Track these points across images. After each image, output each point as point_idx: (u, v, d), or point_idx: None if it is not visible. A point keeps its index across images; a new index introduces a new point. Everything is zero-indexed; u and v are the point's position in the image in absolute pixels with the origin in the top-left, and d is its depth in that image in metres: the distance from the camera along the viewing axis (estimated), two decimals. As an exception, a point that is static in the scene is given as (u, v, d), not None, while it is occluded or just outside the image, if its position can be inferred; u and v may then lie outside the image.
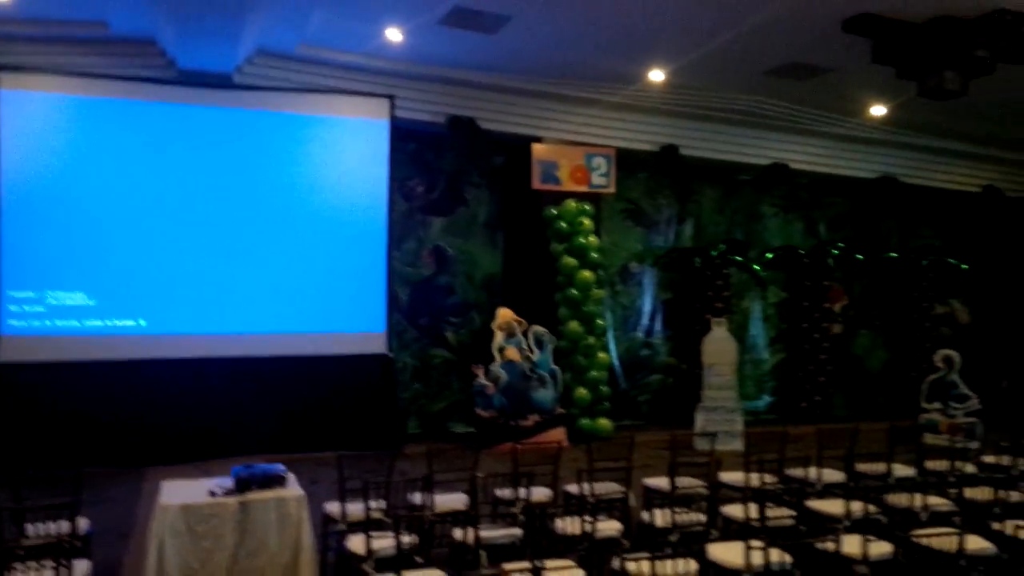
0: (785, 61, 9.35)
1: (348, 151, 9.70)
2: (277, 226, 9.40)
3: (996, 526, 5.04)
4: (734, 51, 9.00)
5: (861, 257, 12.89)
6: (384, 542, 4.41)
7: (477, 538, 4.65)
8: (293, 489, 4.89)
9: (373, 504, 4.97)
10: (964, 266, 13.35)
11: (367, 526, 4.62)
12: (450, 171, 11.06)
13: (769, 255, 12.58)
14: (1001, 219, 13.82)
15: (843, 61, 9.06)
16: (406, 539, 4.46)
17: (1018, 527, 4.68)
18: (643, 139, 11.32)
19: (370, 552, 4.38)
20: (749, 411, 11.97)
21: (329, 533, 5.34)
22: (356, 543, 4.61)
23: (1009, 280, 13.94)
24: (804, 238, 13.10)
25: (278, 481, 4.86)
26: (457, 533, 4.87)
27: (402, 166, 10.52)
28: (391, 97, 9.74)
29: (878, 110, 11.10)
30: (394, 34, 8.69)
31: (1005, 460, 6.95)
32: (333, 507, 5.31)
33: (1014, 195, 13.78)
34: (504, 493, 5.72)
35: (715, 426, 10.01)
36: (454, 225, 11.14)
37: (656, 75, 9.86)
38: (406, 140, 10.43)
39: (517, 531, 4.94)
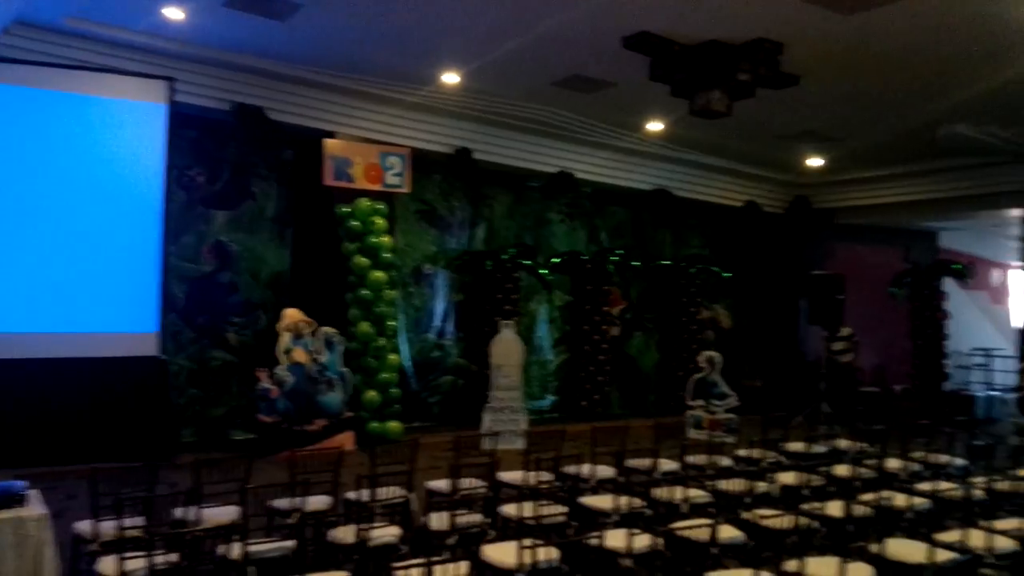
0: (570, 73, 9.71)
1: (121, 135, 8.90)
2: (40, 214, 8.48)
3: (745, 515, 5.49)
4: (523, 60, 9.24)
5: (638, 264, 13.71)
6: (139, 563, 4.08)
7: (246, 553, 4.42)
8: (34, 508, 4.42)
9: (129, 521, 4.58)
10: (727, 274, 14.55)
11: (122, 546, 4.25)
12: (235, 162, 10.54)
13: (555, 260, 13.07)
14: (759, 232, 15.23)
15: (624, 76, 9.53)
16: (165, 558, 4.15)
17: (763, 515, 5.11)
18: (438, 141, 11.37)
19: (123, 575, 4.04)
20: (534, 411, 12.38)
21: (80, 555, 4.88)
22: (107, 565, 4.23)
23: (765, 288, 15.38)
24: (587, 244, 13.72)
25: (16, 500, 4.36)
26: (223, 549, 4.60)
27: (182, 154, 9.89)
28: (170, 79, 9.09)
29: (655, 126, 11.83)
30: (173, 12, 8.13)
31: (756, 453, 7.61)
32: (84, 526, 4.85)
33: (770, 211, 15.23)
34: (281, 503, 5.50)
35: (501, 426, 10.24)
36: (239, 220, 10.61)
37: (450, 77, 9.93)
38: (187, 127, 9.80)
39: (291, 543, 4.75)
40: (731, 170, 14.36)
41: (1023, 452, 7.11)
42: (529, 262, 12.35)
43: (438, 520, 5.14)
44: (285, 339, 9.79)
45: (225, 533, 4.81)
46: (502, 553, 4.50)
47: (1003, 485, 6.17)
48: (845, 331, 14.05)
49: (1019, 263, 13.01)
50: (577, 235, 13.72)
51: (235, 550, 4.45)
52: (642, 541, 4.80)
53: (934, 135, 11.20)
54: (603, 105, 10.95)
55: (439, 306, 12.31)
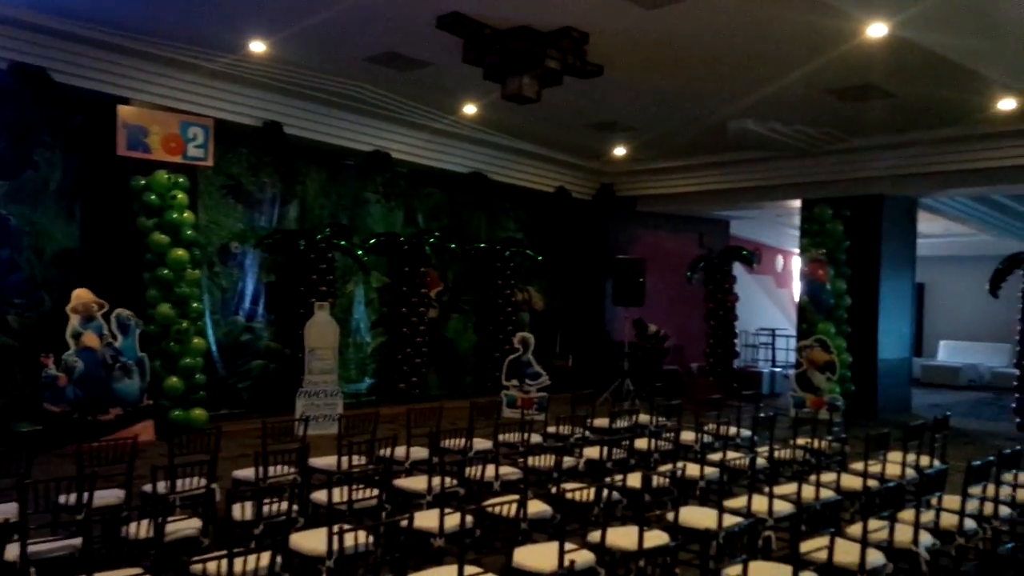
0: (385, 50, 9.56)
1: None
2: None
3: (553, 489, 5.68)
4: (335, 33, 9.00)
5: (454, 246, 13.80)
6: None
7: (24, 554, 4.04)
8: None
9: None
10: (539, 257, 14.96)
11: None
12: (14, 128, 9.54)
13: (372, 241, 12.88)
14: (569, 217, 15.77)
15: (438, 57, 9.52)
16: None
17: (569, 489, 5.32)
18: (246, 113, 10.84)
19: None
20: (351, 394, 12.18)
21: None
22: None
23: (574, 271, 15.98)
24: (404, 226, 13.64)
25: None
26: (-1, 551, 4.18)
27: (-53, 117, 8.84)
28: (-68, 33, 8.09)
29: (470, 108, 11.92)
30: (-66, -43, 7.22)
31: (564, 430, 7.91)
32: None
33: (580, 197, 15.81)
34: (67, 499, 5.07)
35: (315, 411, 10.00)
36: (19, 191, 9.63)
37: (257, 46, 9.49)
38: (-46, 87, 8.77)
39: (76, 542, 4.39)
40: (543, 156, 14.75)
41: (801, 423, 7.83)
42: (345, 243, 12.10)
43: (242, 510, 4.94)
44: (74, 321, 9.04)
45: (1, 533, 4.37)
46: (311, 540, 4.39)
47: (783, 453, 6.78)
48: (652, 328, 14.94)
49: (799, 250, 14.29)
50: (394, 216, 13.59)
51: (12, 551, 4.06)
52: (453, 520, 4.85)
53: (725, 129, 12.04)
54: (419, 85, 10.88)
55: (249, 287, 11.80)
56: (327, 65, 10.40)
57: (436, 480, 5.75)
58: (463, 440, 7.09)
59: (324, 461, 6.47)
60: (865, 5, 5.45)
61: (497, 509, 5.06)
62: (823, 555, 4.04)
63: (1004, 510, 5.42)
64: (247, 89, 10.68)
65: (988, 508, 5.25)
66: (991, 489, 5.32)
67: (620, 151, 14.35)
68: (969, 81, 9.17)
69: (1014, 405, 12.30)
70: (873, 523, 4.42)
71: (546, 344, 13.90)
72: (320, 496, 5.48)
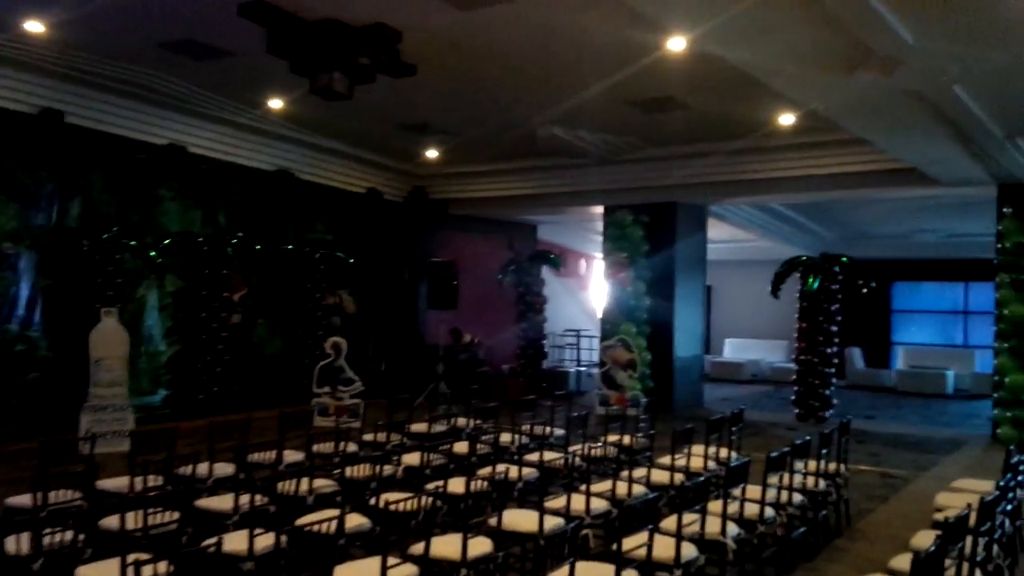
0: (181, 36, 8.90)
1: None
2: None
3: (372, 501, 5.48)
4: (124, 15, 8.26)
5: (259, 247, 13.13)
6: None
7: None
8: None
9: None
10: (351, 260, 14.59)
11: None
12: None
13: (167, 241, 11.97)
14: (381, 219, 15.51)
15: (241, 46, 8.97)
16: None
17: (388, 499, 5.14)
18: (19, 99, 9.75)
19: None
20: (143, 407, 11.23)
21: None
22: None
23: (387, 274, 15.73)
24: (203, 226, 12.80)
25: None
26: None
27: None
28: None
29: (276, 103, 11.39)
30: None
31: (381, 437, 7.69)
32: None
33: (391, 199, 15.59)
34: None
35: (103, 427, 9.13)
36: None
37: (33, 26, 8.52)
38: None
39: None
40: (354, 156, 14.41)
41: (612, 421, 8.09)
42: (135, 243, 11.15)
43: (17, 543, 4.36)
44: None
45: None
46: (101, 573, 3.94)
47: (595, 451, 6.95)
48: (467, 338, 15.01)
49: (601, 255, 14.88)
50: (192, 215, 12.70)
51: None
52: (265, 541, 4.54)
53: (535, 135, 12.31)
54: (220, 76, 10.25)
55: (23, 292, 10.58)
56: (116, 50, 9.54)
57: (244, 498, 5.36)
58: (273, 453, 6.70)
59: (114, 483, 5.87)
60: (666, 15, 5.74)
61: (312, 525, 4.79)
62: (642, 552, 4.13)
63: (797, 497, 5.84)
64: (22, 73, 9.61)
65: (784, 496, 5.63)
66: (786, 478, 5.70)
67: (432, 153, 14.29)
68: (755, 96, 9.89)
69: (793, 397, 13.44)
70: (686, 516, 4.59)
71: (359, 349, 13.54)
72: (110, 522, 4.94)
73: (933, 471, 9.38)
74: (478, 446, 7.31)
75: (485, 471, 6.27)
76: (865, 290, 13.39)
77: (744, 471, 5.13)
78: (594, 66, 9.12)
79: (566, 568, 3.59)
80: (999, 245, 11.32)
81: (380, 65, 8.57)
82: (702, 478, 4.66)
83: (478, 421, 8.60)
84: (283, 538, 4.65)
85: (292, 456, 6.87)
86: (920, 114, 7.27)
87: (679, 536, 4.36)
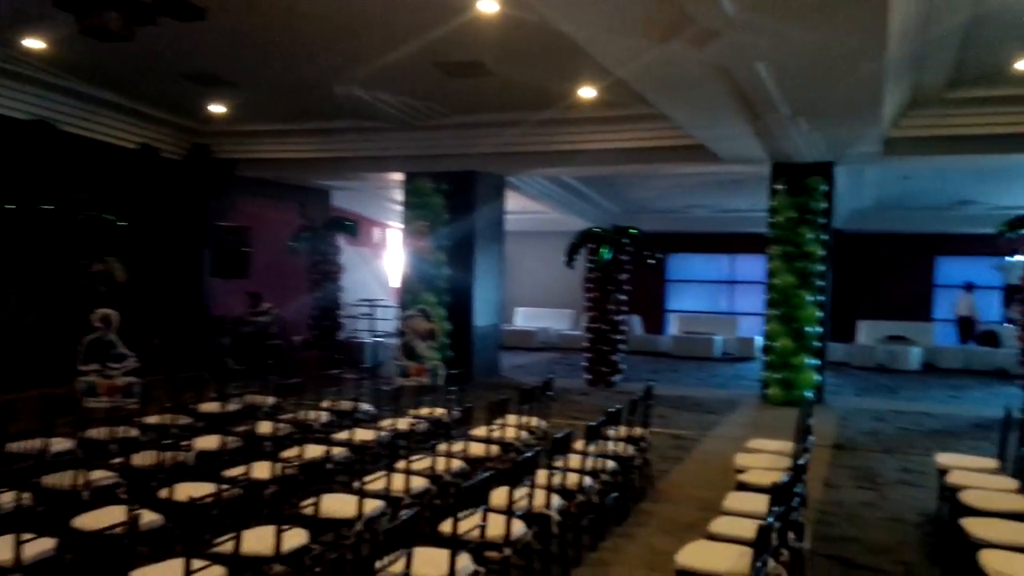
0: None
1: None
2: None
3: (163, 493, 4.88)
4: None
5: (13, 207, 11.48)
6: None
7: None
8: None
9: None
10: (121, 223, 13.17)
11: None
12: None
13: None
14: (158, 179, 14.13)
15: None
16: None
17: (182, 490, 4.59)
18: None
19: None
20: None
21: None
22: None
23: (165, 239, 14.39)
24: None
25: None
26: None
27: None
28: None
29: (34, 43, 9.93)
30: None
31: (167, 419, 6.95)
32: None
33: (168, 156, 14.24)
34: None
35: None
36: None
37: None
38: None
39: None
40: (127, 107, 12.98)
41: (420, 393, 7.85)
42: None
43: None
44: None
45: None
46: None
47: (408, 426, 6.69)
48: (265, 306, 14.07)
49: (399, 223, 14.53)
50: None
51: None
52: (34, 548, 3.87)
53: (332, 94, 11.66)
54: (-39, 5, 8.73)
55: None
56: None
57: (6, 497, 4.58)
58: (36, 441, 5.82)
59: None
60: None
61: (91, 525, 4.16)
62: (475, 533, 3.95)
63: (610, 464, 5.92)
64: None
65: (598, 463, 5.67)
66: (597, 447, 5.75)
67: (219, 109, 13.16)
68: (561, 67, 9.96)
69: (584, 364, 13.90)
70: (513, 492, 4.45)
71: (132, 321, 12.27)
72: None
73: (717, 431, 10.03)
74: (279, 426, 6.79)
75: (291, 453, 5.82)
76: (652, 261, 14.07)
77: (567, 442, 5.09)
78: (402, 23, 8.71)
79: (402, 559, 3.31)
80: (772, 220, 12.24)
81: (163, 5, 7.63)
82: (531, 452, 4.54)
83: (275, 398, 8.02)
84: (54, 542, 3.99)
85: (60, 444, 6.02)
86: (720, 90, 7.60)
87: (510, 513, 4.22)
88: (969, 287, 19.24)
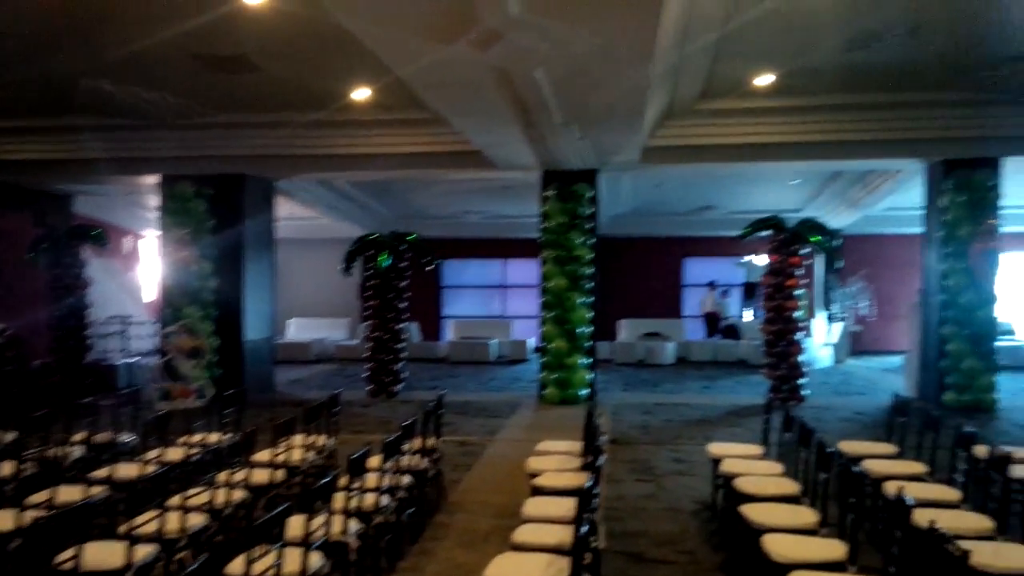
0: None
1: None
2: None
3: None
4: None
5: None
6: None
7: None
8: None
9: None
10: None
11: None
12: None
13: None
14: None
15: None
16: None
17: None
18: None
19: None
20: None
21: None
22: None
23: None
24: None
25: None
26: None
27: None
28: None
29: None
30: None
31: None
32: None
33: None
34: None
35: None
36: None
37: None
38: None
39: None
40: None
41: (190, 418, 7.15)
42: None
43: None
44: None
45: None
46: None
47: (180, 456, 6.06)
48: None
49: (156, 230, 13.33)
50: None
51: None
52: None
53: (75, 87, 10.45)
54: None
55: None
56: None
57: None
58: None
59: None
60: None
61: None
62: (271, 573, 3.58)
63: (405, 479, 5.71)
64: None
65: (393, 480, 5.45)
66: (391, 462, 5.52)
67: (-73, 102, 11.36)
68: (333, 66, 9.59)
69: (365, 374, 13.54)
70: (309, 521, 4.11)
71: None
72: None
73: (502, 434, 10.12)
74: (24, 466, 5.88)
75: (40, 497, 5.04)
76: (430, 267, 14.00)
77: (362, 462, 4.81)
78: (156, 10, 7.93)
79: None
80: (544, 225, 12.60)
81: None
82: (328, 478, 4.22)
83: (17, 434, 6.95)
84: None
85: None
86: (499, 95, 7.64)
87: (307, 546, 3.89)
88: (713, 285, 21.07)
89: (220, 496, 5.10)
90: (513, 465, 7.84)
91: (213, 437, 6.83)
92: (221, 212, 12.93)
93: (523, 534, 4.38)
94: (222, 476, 5.31)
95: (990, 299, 11.74)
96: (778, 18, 8.08)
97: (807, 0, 7.66)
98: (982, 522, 4.53)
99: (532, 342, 19.76)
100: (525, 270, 22.42)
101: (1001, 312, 12.11)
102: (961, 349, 11.77)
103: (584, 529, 3.41)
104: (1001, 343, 12.29)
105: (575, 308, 12.47)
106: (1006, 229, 12.24)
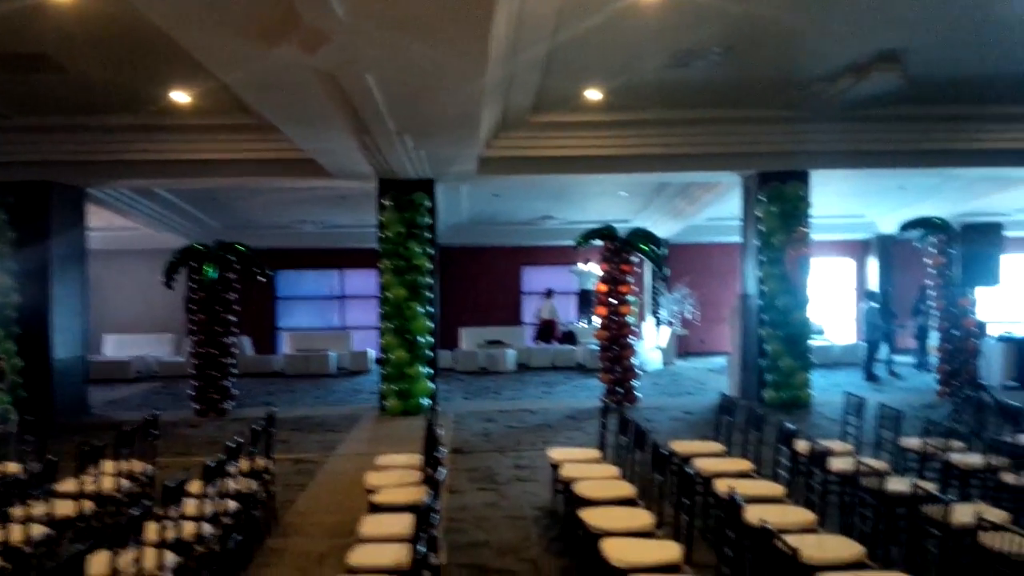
0: None
1: None
2: None
3: None
4: None
5: None
6: None
7: None
8: None
9: None
10: None
11: None
12: None
13: None
14: None
15: None
16: None
17: None
18: None
19: None
20: None
21: None
22: None
23: None
24: None
25: None
26: None
27: None
28: None
29: None
30: None
31: None
32: None
33: None
34: None
35: None
36: None
37: None
38: None
39: None
40: None
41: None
42: None
43: None
44: None
45: None
46: None
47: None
48: None
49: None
50: None
51: None
52: None
53: None
54: None
55: None
56: None
57: None
58: None
59: None
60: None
61: None
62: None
63: (231, 504, 5.35)
64: None
65: (219, 506, 5.09)
66: (216, 487, 5.17)
67: None
68: (148, 67, 8.98)
69: (191, 392, 12.75)
70: (117, 558, 3.73)
71: None
72: None
73: (341, 449, 9.79)
74: None
75: None
76: (262, 278, 13.40)
77: (179, 489, 4.45)
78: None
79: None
80: (381, 235, 12.36)
81: None
82: (139, 508, 3.84)
83: None
84: None
85: None
86: (329, 101, 7.37)
87: (116, 586, 3.52)
88: (549, 293, 21.51)
89: (16, 533, 4.56)
90: (351, 481, 7.58)
91: (11, 467, 6.15)
92: (24, 222, 11.80)
93: (359, 556, 4.19)
94: (18, 511, 4.76)
95: (803, 302, 12.62)
96: (602, 35, 8.29)
97: (629, 19, 7.91)
98: (805, 515, 4.78)
99: (373, 353, 19.38)
100: (364, 280, 21.99)
101: (813, 314, 13.05)
102: (778, 349, 12.57)
103: (422, 548, 3.28)
104: (813, 343, 13.24)
105: (415, 317, 12.31)
106: (815, 237, 13.24)
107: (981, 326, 14.05)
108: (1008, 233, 12.88)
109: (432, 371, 12.57)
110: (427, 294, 12.41)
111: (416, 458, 6.44)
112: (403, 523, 4.63)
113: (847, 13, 8.06)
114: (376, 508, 5.17)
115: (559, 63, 9.20)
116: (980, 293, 13.47)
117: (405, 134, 9.15)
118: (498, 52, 7.40)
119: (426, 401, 12.36)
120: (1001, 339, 14.69)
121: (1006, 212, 18.22)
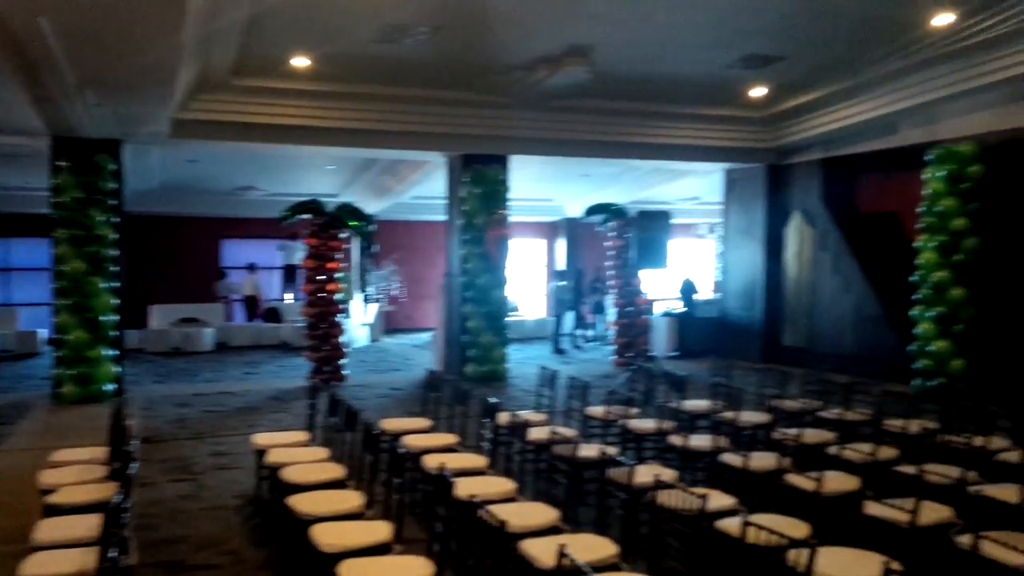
0: None
1: None
2: None
3: None
4: None
5: None
6: None
7: None
8: None
9: None
10: None
11: None
12: None
13: None
14: None
15: None
16: None
17: None
18: None
19: None
20: None
21: None
22: None
23: None
24: None
25: None
26: None
27: None
28: None
29: None
30: None
31: None
32: None
33: None
34: None
35: None
36: None
37: None
38: None
39: None
40: None
41: None
42: None
43: None
44: None
45: None
46: None
47: None
48: None
49: None
50: None
51: None
52: None
53: None
54: None
55: None
56: None
57: None
58: None
59: None
60: None
61: None
62: None
63: None
64: None
65: None
66: None
67: None
68: None
69: None
70: None
71: None
72: None
73: (8, 444, 8.63)
74: None
75: None
76: None
77: None
78: None
79: None
80: (56, 200, 10.99)
81: None
82: None
83: None
84: None
85: None
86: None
87: None
88: (252, 268, 20.59)
89: None
90: (23, 481, 6.70)
91: None
92: None
93: (34, 565, 3.72)
94: None
95: (502, 281, 13.30)
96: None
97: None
98: (506, 485, 5.06)
99: (44, 333, 17.24)
100: (34, 251, 19.39)
101: (510, 292, 13.80)
102: (479, 326, 13.15)
103: (112, 550, 3.00)
104: (510, 319, 14.03)
105: (97, 294, 11.12)
106: (513, 219, 13.99)
107: (649, 303, 15.80)
108: (673, 220, 14.55)
109: (117, 352, 11.47)
110: (111, 268, 11.27)
111: (100, 451, 5.85)
112: (87, 524, 4.19)
113: (544, 5, 8.53)
114: (54, 510, 4.63)
115: (264, 23, 8.75)
116: (647, 274, 15.12)
117: (87, 88, 8.17)
118: (195, 7, 6.86)
119: (110, 386, 11.27)
120: (665, 315, 16.67)
121: (671, 201, 20.58)
